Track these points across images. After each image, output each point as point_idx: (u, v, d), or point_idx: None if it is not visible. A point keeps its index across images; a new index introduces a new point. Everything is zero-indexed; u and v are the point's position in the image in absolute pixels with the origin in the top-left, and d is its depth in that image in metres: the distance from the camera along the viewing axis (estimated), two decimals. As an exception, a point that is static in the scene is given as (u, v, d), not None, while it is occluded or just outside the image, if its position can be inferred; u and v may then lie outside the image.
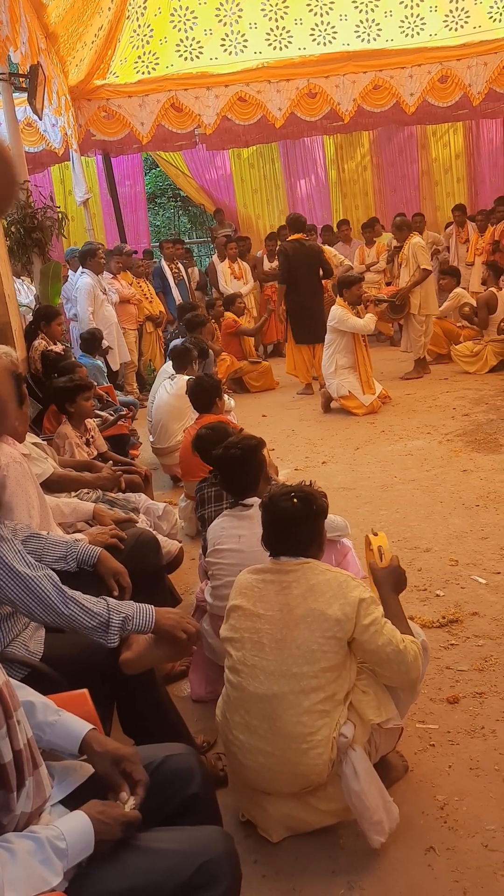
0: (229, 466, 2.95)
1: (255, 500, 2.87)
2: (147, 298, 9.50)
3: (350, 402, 7.26)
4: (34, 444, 3.56)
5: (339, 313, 7.21)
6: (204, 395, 4.59)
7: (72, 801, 1.59)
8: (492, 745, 2.60)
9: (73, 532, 3.13)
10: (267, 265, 10.95)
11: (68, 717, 1.69)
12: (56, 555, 2.39)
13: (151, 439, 5.94)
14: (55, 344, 5.68)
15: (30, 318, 5.93)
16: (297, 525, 2.27)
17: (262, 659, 2.21)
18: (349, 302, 7.27)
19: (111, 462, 4.10)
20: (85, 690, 1.94)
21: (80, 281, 7.27)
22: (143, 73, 9.51)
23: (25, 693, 1.70)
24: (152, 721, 2.33)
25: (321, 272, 8.31)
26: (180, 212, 18.53)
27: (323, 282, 8.44)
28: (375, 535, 2.53)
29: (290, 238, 8.34)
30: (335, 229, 11.67)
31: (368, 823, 2.15)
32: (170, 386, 5.75)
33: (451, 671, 3.05)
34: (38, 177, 11.88)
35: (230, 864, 1.53)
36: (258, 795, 2.28)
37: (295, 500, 2.26)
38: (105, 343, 6.84)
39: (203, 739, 2.73)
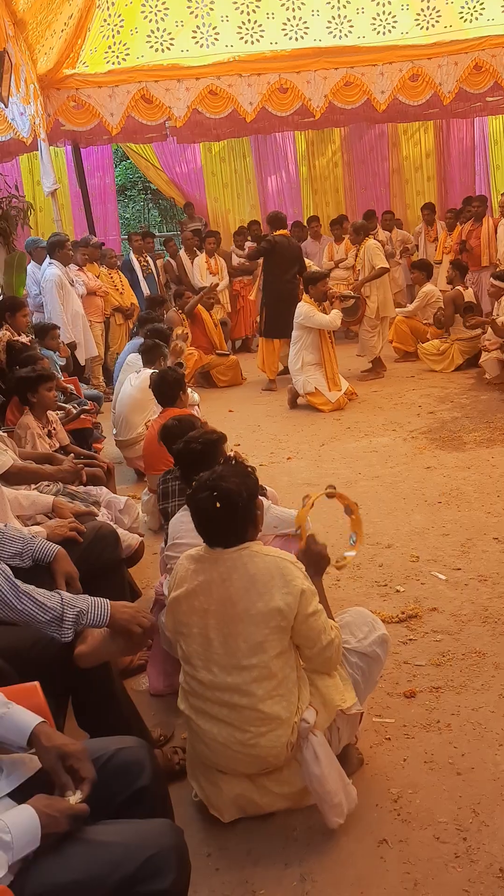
0: (189, 460, 2.93)
1: None
2: (118, 290, 9.43)
3: (316, 398, 7.28)
4: (-7, 435, 3.53)
5: (304, 310, 7.23)
6: (168, 388, 4.57)
7: (20, 795, 1.57)
8: (446, 739, 2.63)
9: (32, 525, 3.10)
10: (236, 260, 10.92)
11: (17, 710, 1.67)
12: (12, 550, 2.37)
13: (114, 432, 5.91)
14: (20, 335, 5.61)
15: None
16: (224, 522, 2.18)
17: (213, 653, 2.22)
18: (315, 298, 7.29)
19: (73, 455, 4.07)
20: (36, 683, 1.92)
21: (47, 272, 7.19)
22: (113, 63, 9.41)
23: (-27, 687, 1.68)
24: (107, 714, 2.31)
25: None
26: (150, 204, 18.42)
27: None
28: (331, 496, 2.55)
29: (276, 234, 8.44)
30: (305, 225, 11.68)
31: (328, 806, 2.18)
32: (134, 378, 5.72)
33: (409, 666, 3.07)
34: (6, 166, 11.73)
35: (178, 857, 1.53)
36: (213, 774, 2.30)
37: (217, 503, 2.15)
38: (68, 337, 6.77)
39: (160, 733, 2.72)
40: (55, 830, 1.46)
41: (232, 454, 2.69)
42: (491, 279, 8.10)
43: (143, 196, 18.28)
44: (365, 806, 2.34)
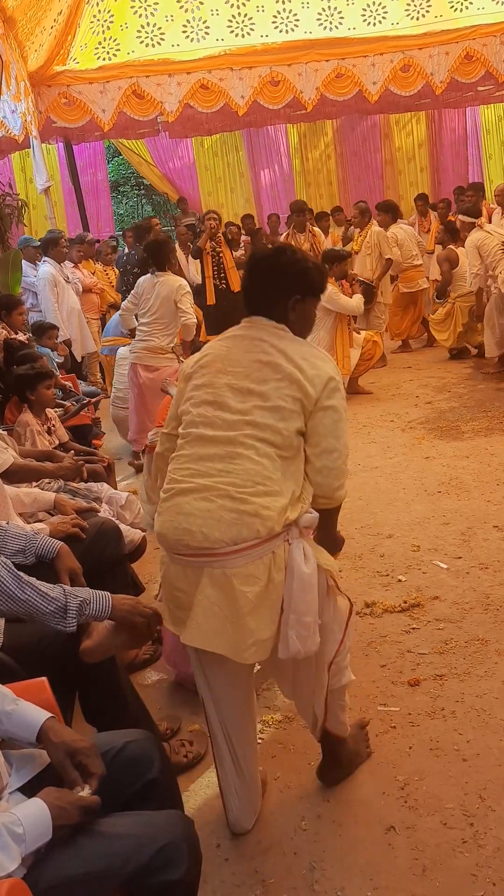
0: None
1: None
2: (113, 286, 9.42)
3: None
4: (-7, 434, 3.53)
5: (329, 291, 7.04)
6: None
7: (30, 790, 1.58)
8: (451, 726, 2.64)
9: (34, 522, 3.11)
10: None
11: (26, 706, 1.68)
12: (14, 547, 2.37)
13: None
14: (17, 333, 5.61)
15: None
16: (279, 278, 2.21)
17: (222, 411, 2.08)
18: (335, 278, 7.11)
19: (73, 452, 4.07)
20: (44, 679, 1.93)
21: (41, 270, 7.18)
22: (103, 59, 9.37)
23: (-19, 682, 1.69)
24: (113, 709, 2.32)
25: None
26: (144, 200, 18.38)
27: None
28: None
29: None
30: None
31: (297, 621, 1.98)
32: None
33: (413, 654, 3.09)
34: (-1, 164, 11.75)
35: (189, 847, 1.54)
36: (179, 571, 2.03)
37: (288, 251, 2.24)
38: (64, 335, 6.76)
39: (166, 727, 2.74)
40: (66, 822, 1.47)
41: None
42: (459, 216, 8.05)
43: (136, 192, 18.24)
44: (372, 793, 2.36)
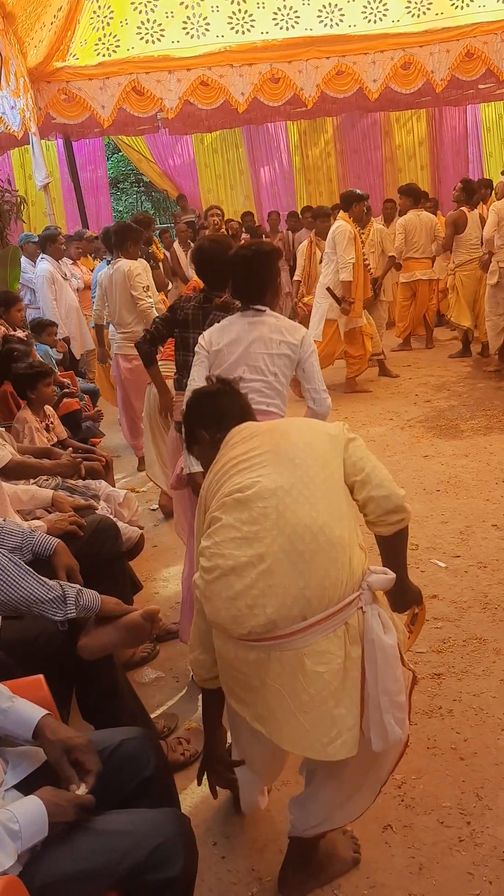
0: (245, 268, 2.93)
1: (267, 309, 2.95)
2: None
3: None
4: (-8, 431, 3.52)
5: (340, 229, 6.99)
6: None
7: (26, 788, 1.58)
8: (448, 725, 2.64)
9: (32, 519, 3.10)
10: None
11: (22, 704, 1.67)
12: (11, 544, 2.36)
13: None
14: (15, 330, 5.60)
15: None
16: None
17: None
18: (354, 219, 7.07)
19: (71, 449, 4.06)
20: (40, 676, 1.93)
21: (39, 267, 7.17)
22: (103, 55, 9.36)
23: (-23, 680, 1.68)
24: (111, 706, 2.32)
25: None
26: (143, 197, 18.36)
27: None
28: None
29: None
30: (300, 216, 11.65)
31: (390, 703, 1.69)
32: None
33: (410, 653, 3.08)
34: (-2, 160, 11.72)
35: (185, 845, 1.54)
36: (237, 650, 1.75)
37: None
38: (63, 332, 6.75)
39: (163, 724, 2.74)
40: (62, 819, 1.47)
41: None
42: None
43: (135, 188, 18.22)
44: (369, 792, 2.36)
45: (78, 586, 2.12)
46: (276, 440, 1.89)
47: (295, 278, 9.44)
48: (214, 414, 2.08)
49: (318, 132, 13.00)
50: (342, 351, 7.33)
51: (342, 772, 1.85)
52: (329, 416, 2.99)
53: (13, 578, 2.02)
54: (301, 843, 2.02)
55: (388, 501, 1.83)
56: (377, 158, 13.04)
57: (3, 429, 3.72)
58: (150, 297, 5.63)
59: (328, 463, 1.82)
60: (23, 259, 8.23)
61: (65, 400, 4.96)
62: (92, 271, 8.92)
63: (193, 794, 2.44)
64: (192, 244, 10.47)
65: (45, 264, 7.14)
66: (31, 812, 1.43)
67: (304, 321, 7.57)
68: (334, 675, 1.67)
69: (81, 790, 1.56)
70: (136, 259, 5.63)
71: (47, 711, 1.67)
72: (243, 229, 10.99)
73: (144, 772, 1.70)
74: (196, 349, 2.95)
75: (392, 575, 1.77)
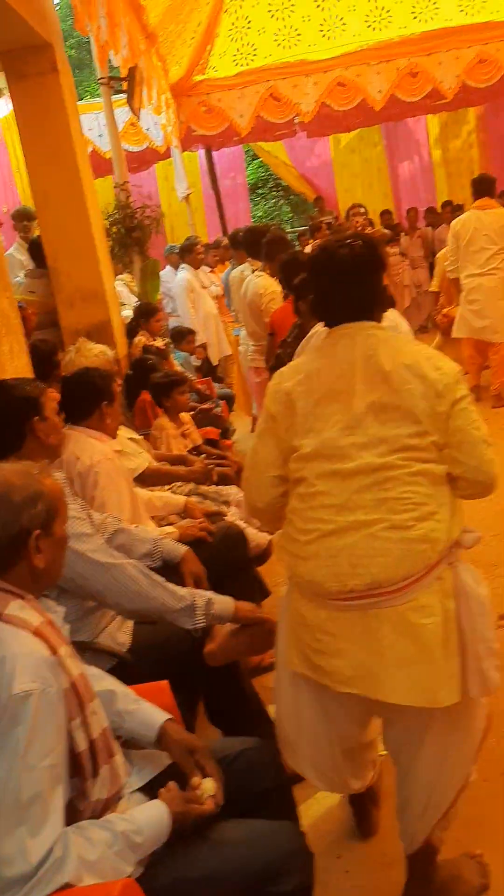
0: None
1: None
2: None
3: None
4: (131, 439, 3.68)
5: None
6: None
7: (150, 791, 1.64)
8: None
9: (166, 524, 3.23)
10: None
11: (147, 707, 1.74)
12: (142, 550, 2.47)
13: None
14: (155, 339, 5.82)
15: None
16: (360, 277, 1.89)
17: (353, 436, 1.80)
18: None
19: (204, 455, 4.18)
20: (165, 682, 1.99)
21: (178, 276, 7.41)
22: (241, 65, 9.52)
23: (107, 682, 1.77)
24: (237, 712, 2.38)
25: None
26: (282, 201, 18.54)
27: None
28: None
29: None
30: (439, 210, 11.36)
31: (487, 650, 1.77)
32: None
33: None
34: (144, 174, 12.20)
35: (301, 860, 1.55)
36: (330, 615, 1.80)
37: (357, 241, 1.89)
38: (201, 339, 6.95)
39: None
40: (183, 827, 1.51)
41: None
42: None
43: (274, 193, 18.44)
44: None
45: (209, 595, 2.17)
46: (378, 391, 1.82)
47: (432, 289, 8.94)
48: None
49: (460, 123, 12.62)
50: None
51: (430, 726, 1.83)
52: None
53: (145, 590, 2.11)
54: (421, 861, 1.96)
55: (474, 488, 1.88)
56: (523, 147, 12.49)
57: (142, 436, 3.88)
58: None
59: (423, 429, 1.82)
60: (168, 269, 8.56)
61: (207, 428, 4.98)
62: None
63: (318, 805, 2.43)
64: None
65: (183, 273, 7.37)
66: (154, 821, 1.48)
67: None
68: (438, 626, 1.73)
69: (206, 784, 1.60)
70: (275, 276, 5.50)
71: (170, 716, 1.73)
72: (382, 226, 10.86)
73: (263, 783, 1.73)
74: None
75: (477, 533, 1.87)
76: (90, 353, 3.44)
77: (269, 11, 9.28)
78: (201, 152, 11.85)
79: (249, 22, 9.33)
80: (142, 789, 1.66)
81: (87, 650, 2.18)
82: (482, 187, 6.51)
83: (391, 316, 2.90)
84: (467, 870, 2.06)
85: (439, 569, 1.76)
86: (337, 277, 1.91)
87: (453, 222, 6.58)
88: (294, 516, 1.87)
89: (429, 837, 1.92)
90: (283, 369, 2.00)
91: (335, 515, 1.78)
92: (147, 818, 1.48)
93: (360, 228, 6.77)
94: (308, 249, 10.37)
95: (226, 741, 1.85)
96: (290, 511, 1.89)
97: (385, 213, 11.48)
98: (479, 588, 1.79)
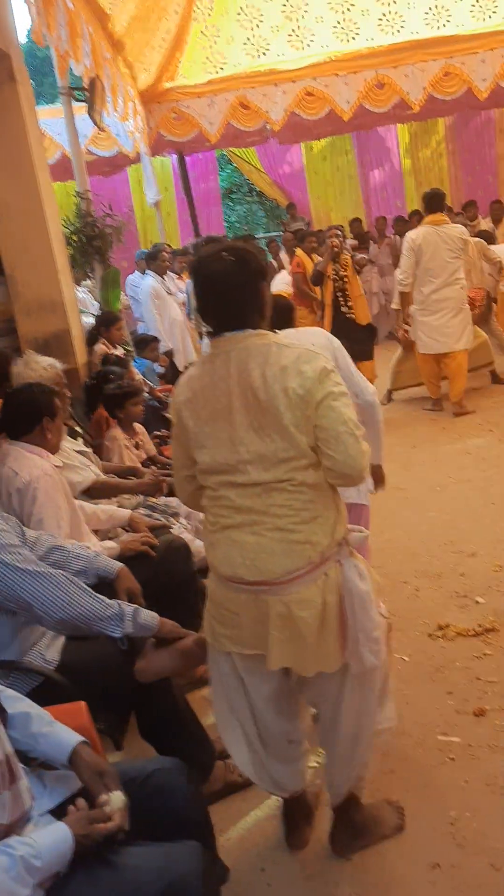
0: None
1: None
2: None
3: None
4: (79, 451, 3.70)
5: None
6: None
7: (62, 811, 1.67)
8: (513, 763, 2.57)
9: (111, 537, 3.25)
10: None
11: (60, 729, 1.77)
12: (76, 567, 2.49)
13: None
14: (115, 348, 5.85)
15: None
16: (232, 289, 1.94)
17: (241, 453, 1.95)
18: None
19: (156, 466, 4.21)
20: (83, 703, 2.03)
21: (144, 283, 7.44)
22: (211, 73, 9.59)
23: (23, 705, 1.79)
24: (169, 728, 2.41)
25: None
26: (256, 206, 18.60)
27: None
28: None
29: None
30: (407, 220, 11.48)
31: (366, 638, 2.00)
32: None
33: (481, 682, 3.01)
34: (117, 178, 12.21)
35: (202, 881, 1.57)
36: (231, 595, 2.03)
37: (227, 256, 1.94)
38: (166, 346, 6.98)
39: (223, 746, 2.79)
40: (86, 850, 1.54)
41: None
42: None
43: (249, 198, 18.50)
44: (421, 827, 2.34)
45: (135, 606, 2.22)
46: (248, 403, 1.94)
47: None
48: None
49: (430, 133, 12.78)
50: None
51: (343, 688, 2.12)
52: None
53: (71, 595, 2.14)
54: (345, 810, 2.27)
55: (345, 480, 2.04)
56: (491, 157, 12.65)
57: (90, 449, 3.91)
58: None
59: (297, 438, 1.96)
60: (136, 274, 8.59)
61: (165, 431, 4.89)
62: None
63: (248, 820, 2.48)
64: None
65: (148, 280, 7.41)
66: (56, 846, 1.50)
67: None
68: (315, 618, 1.97)
69: (114, 798, 1.63)
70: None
71: (83, 738, 1.76)
72: (351, 235, 10.94)
73: (173, 803, 1.76)
74: None
75: (365, 533, 2.24)
76: (38, 367, 3.44)
77: (238, 20, 9.35)
78: (174, 157, 11.87)
79: (218, 30, 9.40)
80: (54, 811, 1.69)
81: (14, 669, 2.21)
82: (434, 202, 6.63)
83: (319, 334, 3.09)
84: (387, 812, 2.37)
85: (327, 565, 1.98)
86: (211, 289, 1.99)
87: (410, 237, 6.65)
88: (206, 510, 2.11)
89: (351, 788, 2.23)
90: (180, 381, 2.10)
91: (234, 514, 2.00)
92: (49, 842, 1.51)
93: (335, 249, 6.91)
94: (283, 255, 10.52)
95: (138, 761, 1.88)
96: (203, 505, 2.12)
97: (355, 221, 11.58)
98: (361, 584, 2.00)
